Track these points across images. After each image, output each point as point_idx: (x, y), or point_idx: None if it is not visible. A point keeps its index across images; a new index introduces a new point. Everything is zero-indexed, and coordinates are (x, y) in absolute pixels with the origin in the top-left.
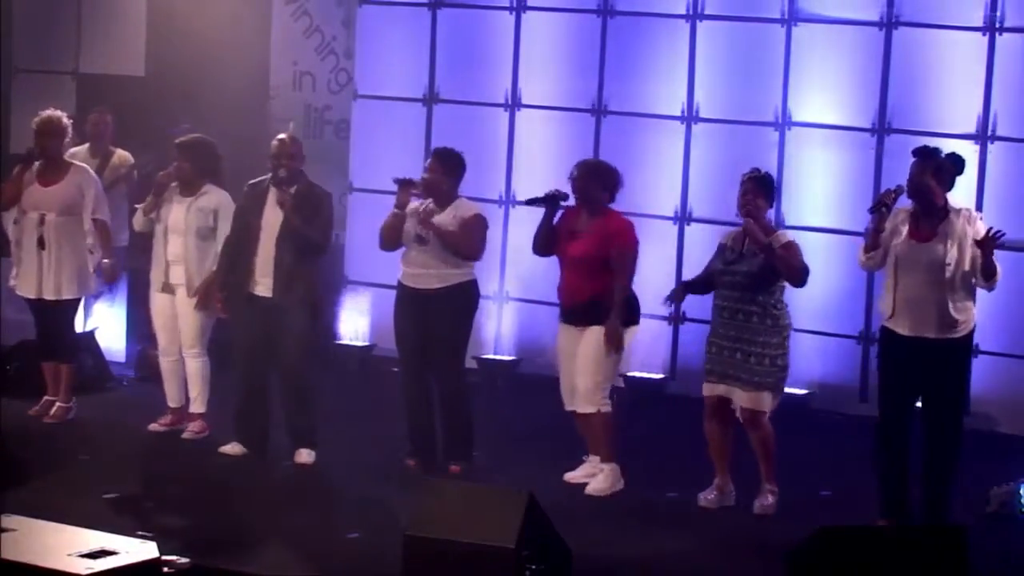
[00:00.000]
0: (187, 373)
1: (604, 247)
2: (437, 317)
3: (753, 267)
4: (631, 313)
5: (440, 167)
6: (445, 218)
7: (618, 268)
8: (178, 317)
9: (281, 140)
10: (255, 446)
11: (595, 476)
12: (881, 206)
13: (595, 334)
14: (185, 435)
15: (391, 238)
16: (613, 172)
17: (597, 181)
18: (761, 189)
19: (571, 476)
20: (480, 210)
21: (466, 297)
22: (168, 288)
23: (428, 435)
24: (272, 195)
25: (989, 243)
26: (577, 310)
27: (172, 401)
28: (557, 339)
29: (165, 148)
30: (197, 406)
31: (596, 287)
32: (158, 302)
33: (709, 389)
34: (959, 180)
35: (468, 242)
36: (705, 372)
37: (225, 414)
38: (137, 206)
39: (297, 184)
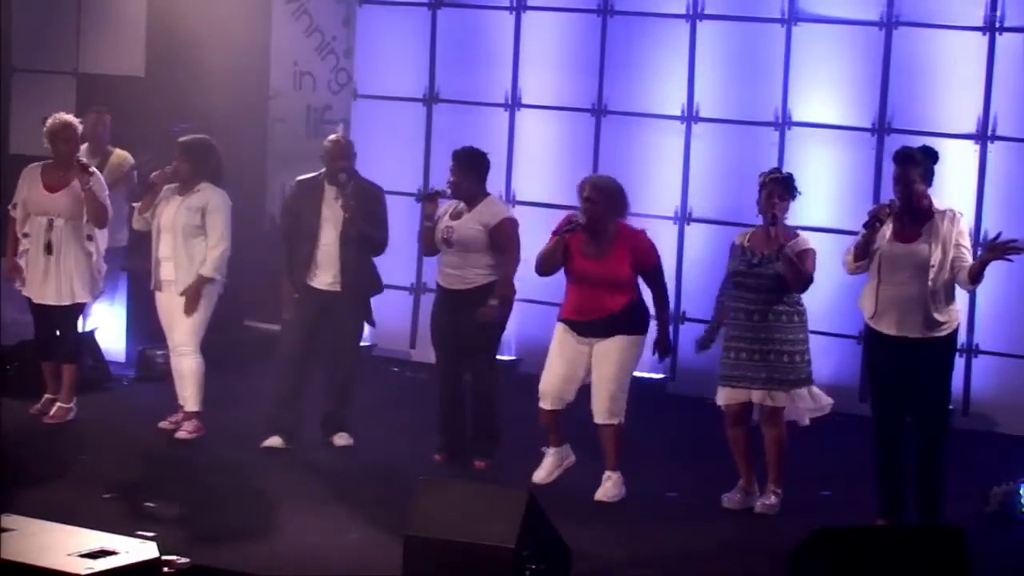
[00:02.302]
0: (179, 371)
1: (636, 265)
2: (469, 316)
3: (780, 268)
4: (641, 322)
5: (459, 169)
6: (470, 221)
7: (654, 283)
8: (172, 315)
9: (335, 140)
10: (293, 437)
11: (566, 461)
12: (876, 221)
13: (614, 345)
14: (179, 435)
15: (427, 246)
16: (624, 194)
17: (611, 207)
18: (784, 191)
19: (540, 476)
20: (507, 212)
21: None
22: (157, 285)
23: (460, 431)
24: (328, 192)
25: (998, 249)
26: (597, 325)
27: (182, 400)
28: (556, 340)
29: (165, 148)
30: (190, 405)
31: (619, 303)
32: (162, 301)
33: (730, 396)
34: (960, 180)
35: (507, 264)
36: (722, 378)
37: (225, 412)
38: (134, 204)
39: (354, 182)
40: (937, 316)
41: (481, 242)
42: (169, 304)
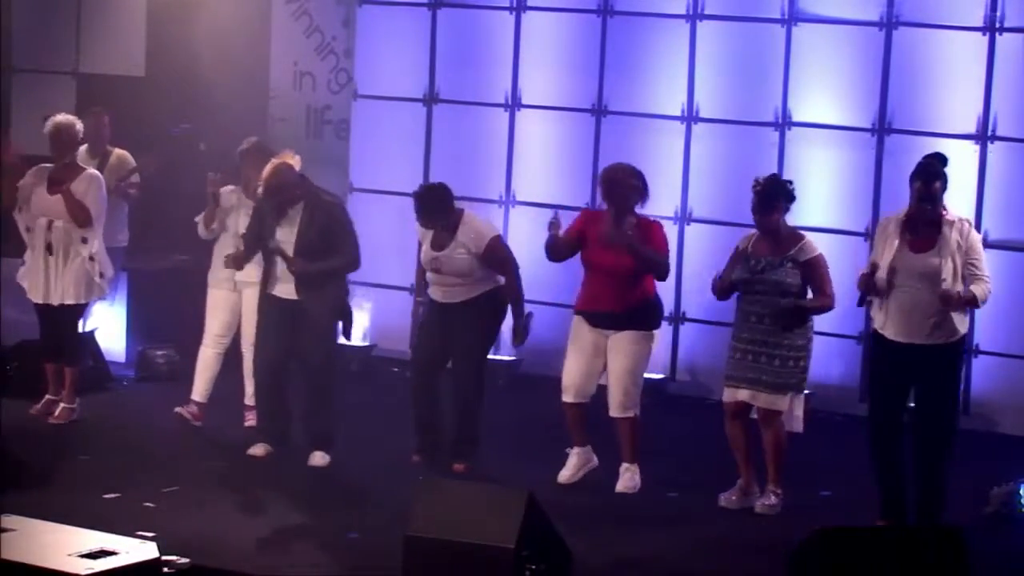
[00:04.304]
0: (247, 371)
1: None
2: (463, 323)
3: (784, 276)
4: (656, 317)
5: (424, 212)
6: (454, 249)
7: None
8: (243, 315)
9: (273, 169)
10: (281, 444)
11: (589, 463)
12: (865, 294)
13: (628, 341)
14: (248, 424)
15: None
16: (643, 179)
17: (633, 191)
18: (766, 200)
19: (565, 476)
20: (489, 231)
21: (494, 303)
22: (221, 285)
23: (435, 434)
24: (284, 221)
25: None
26: (612, 317)
27: (198, 395)
28: (573, 333)
29: (165, 148)
30: (252, 401)
31: (635, 296)
32: (221, 297)
33: (730, 394)
34: (960, 180)
35: (512, 282)
36: (725, 377)
37: (226, 413)
38: (197, 219)
39: (304, 201)
40: (945, 323)
41: (470, 264)
42: (244, 304)
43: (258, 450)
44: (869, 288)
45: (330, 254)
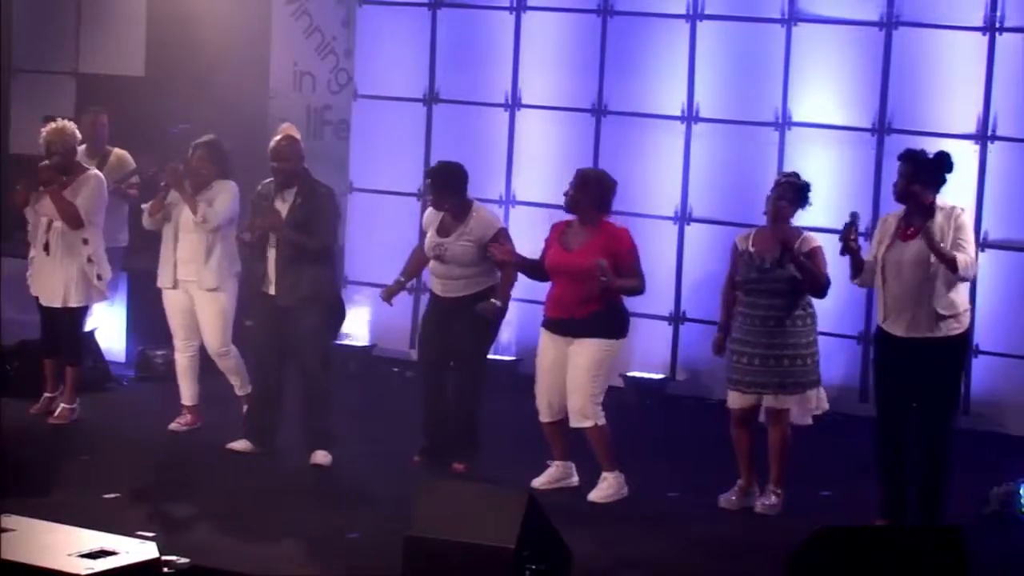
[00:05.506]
0: (223, 370)
1: (608, 259)
2: (463, 320)
3: (793, 271)
4: (619, 326)
5: (435, 189)
6: (460, 238)
7: (628, 273)
8: (198, 320)
9: (276, 141)
10: (264, 443)
11: (567, 479)
12: (849, 243)
13: (588, 347)
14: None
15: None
16: (608, 187)
17: (589, 198)
18: (795, 196)
19: (538, 483)
20: (497, 222)
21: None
22: (170, 284)
23: (442, 435)
24: (278, 200)
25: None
26: (573, 323)
27: (187, 400)
28: (539, 348)
29: (165, 148)
30: (244, 389)
31: (597, 302)
32: (171, 299)
33: (741, 400)
34: (960, 180)
35: (508, 273)
36: (731, 382)
37: (226, 411)
38: (144, 207)
39: (297, 186)
40: (942, 311)
41: (474, 255)
42: (187, 304)
43: (240, 445)
44: (849, 241)
45: (309, 234)
